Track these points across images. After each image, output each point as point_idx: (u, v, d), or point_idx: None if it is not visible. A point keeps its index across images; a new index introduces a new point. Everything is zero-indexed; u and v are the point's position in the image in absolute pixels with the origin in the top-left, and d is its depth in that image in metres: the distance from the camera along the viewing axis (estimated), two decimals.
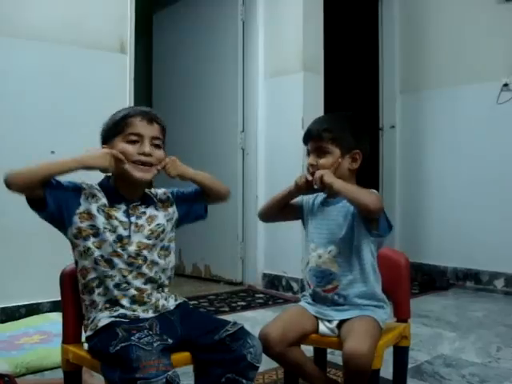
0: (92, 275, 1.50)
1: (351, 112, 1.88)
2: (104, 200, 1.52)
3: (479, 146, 4.20)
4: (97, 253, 1.49)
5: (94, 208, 1.50)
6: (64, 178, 1.49)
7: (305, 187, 1.72)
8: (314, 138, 1.75)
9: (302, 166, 3.77)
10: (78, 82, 3.07)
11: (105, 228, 1.50)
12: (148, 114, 1.55)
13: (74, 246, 1.52)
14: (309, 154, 1.78)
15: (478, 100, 4.22)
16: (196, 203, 1.69)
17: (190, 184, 1.66)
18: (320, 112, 3.88)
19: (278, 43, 4.04)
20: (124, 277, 1.50)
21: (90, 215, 1.49)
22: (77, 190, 1.51)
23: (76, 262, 1.53)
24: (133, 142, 1.51)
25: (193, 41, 4.57)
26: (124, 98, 3.16)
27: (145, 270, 1.53)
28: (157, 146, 1.55)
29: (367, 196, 1.63)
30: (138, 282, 1.52)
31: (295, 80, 3.90)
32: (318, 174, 1.66)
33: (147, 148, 1.51)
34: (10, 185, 1.39)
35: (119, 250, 1.50)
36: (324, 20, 4.01)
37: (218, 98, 4.38)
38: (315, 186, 1.67)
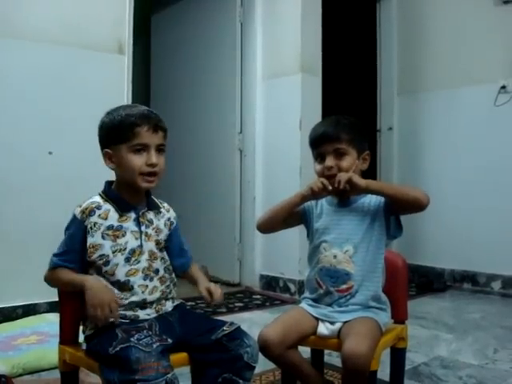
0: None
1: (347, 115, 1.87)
2: (108, 222, 1.50)
3: (477, 148, 4.21)
4: (111, 279, 1.49)
5: (98, 237, 1.49)
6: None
7: (320, 192, 1.71)
8: (332, 140, 1.73)
9: (300, 167, 3.78)
10: (76, 83, 3.07)
11: (113, 252, 1.49)
12: (152, 122, 1.52)
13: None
14: (321, 157, 1.76)
15: (475, 102, 4.23)
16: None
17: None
18: (318, 113, 3.89)
19: (276, 45, 4.05)
20: (143, 292, 1.51)
21: (95, 247, 1.49)
22: (81, 231, 1.49)
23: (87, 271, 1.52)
24: (138, 151, 1.50)
25: (191, 42, 4.57)
26: (122, 99, 3.16)
27: (156, 283, 1.54)
28: (161, 151, 1.54)
29: (412, 189, 1.68)
30: (153, 297, 1.53)
31: (293, 82, 3.90)
32: (343, 176, 1.66)
33: (154, 159, 1.50)
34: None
35: (134, 265, 1.51)
36: (322, 21, 4.01)
37: (215, 99, 4.38)
38: (332, 187, 1.67)
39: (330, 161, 1.73)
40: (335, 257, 1.73)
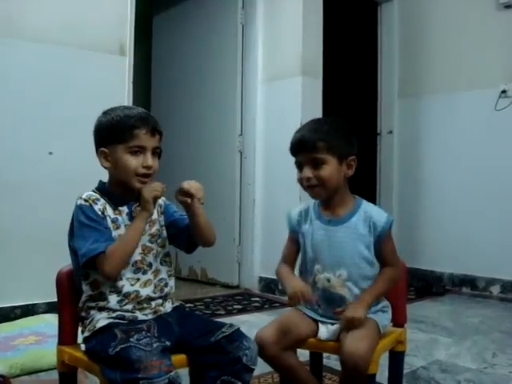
0: (102, 288, 1.49)
1: (334, 117, 1.84)
2: (107, 213, 1.52)
3: (477, 152, 4.21)
4: None
5: (109, 223, 1.51)
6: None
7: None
8: (308, 150, 1.66)
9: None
10: (77, 84, 3.07)
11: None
12: (151, 125, 1.54)
13: None
14: (300, 166, 1.71)
15: (476, 106, 4.23)
16: (182, 233, 1.65)
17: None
18: (319, 116, 3.87)
19: (277, 47, 4.05)
20: (132, 286, 1.51)
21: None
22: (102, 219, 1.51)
23: (87, 275, 1.51)
24: (135, 153, 1.52)
25: (192, 43, 4.57)
26: (123, 100, 3.16)
27: (150, 276, 1.54)
28: (155, 154, 1.56)
29: (392, 275, 1.71)
30: (148, 290, 1.53)
31: (294, 84, 3.90)
32: (350, 320, 1.58)
33: (150, 161, 1.52)
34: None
35: None
36: (323, 24, 4.02)
37: (216, 101, 4.38)
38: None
39: (307, 171, 1.67)
40: (329, 281, 1.69)
